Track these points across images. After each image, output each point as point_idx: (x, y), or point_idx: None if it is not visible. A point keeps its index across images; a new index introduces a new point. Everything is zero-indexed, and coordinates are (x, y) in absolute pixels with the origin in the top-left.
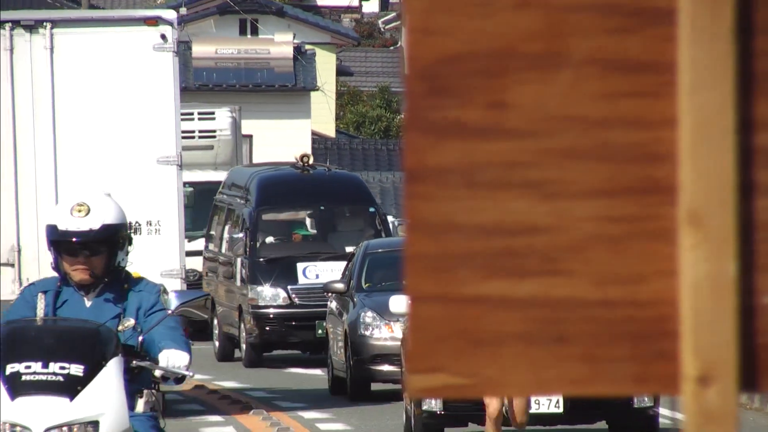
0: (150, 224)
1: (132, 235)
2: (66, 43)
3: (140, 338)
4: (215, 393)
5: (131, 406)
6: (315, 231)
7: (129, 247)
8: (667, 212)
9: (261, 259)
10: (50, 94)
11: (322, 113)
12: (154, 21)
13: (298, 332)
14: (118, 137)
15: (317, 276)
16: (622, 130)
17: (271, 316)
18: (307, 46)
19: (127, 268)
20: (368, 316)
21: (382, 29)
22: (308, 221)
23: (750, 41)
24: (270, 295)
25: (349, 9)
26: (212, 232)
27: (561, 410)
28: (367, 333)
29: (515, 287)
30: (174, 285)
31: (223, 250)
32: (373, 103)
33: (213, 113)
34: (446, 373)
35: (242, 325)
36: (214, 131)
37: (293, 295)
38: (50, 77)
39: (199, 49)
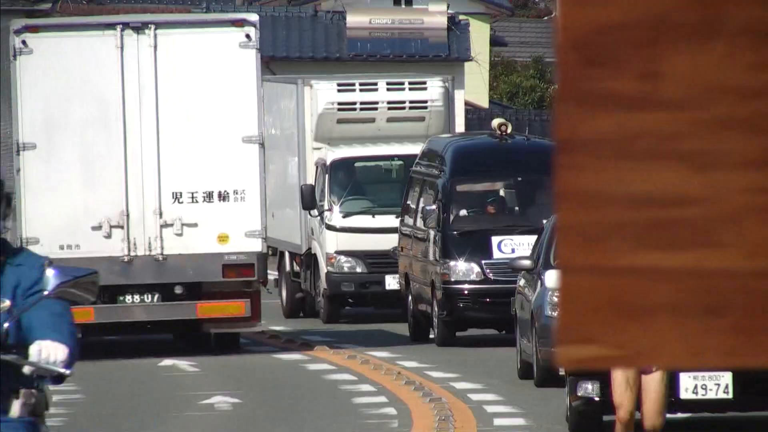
0: (236, 192)
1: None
2: (167, 42)
3: (6, 324)
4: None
5: (3, 410)
6: (512, 203)
7: (7, 212)
8: None
9: (454, 233)
10: (153, 84)
11: (476, 84)
12: (240, 23)
13: (492, 309)
14: (210, 120)
15: (513, 250)
16: None
17: (465, 292)
18: (461, 17)
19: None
20: (556, 296)
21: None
22: (504, 193)
23: None
24: (463, 270)
25: None
26: (409, 204)
27: (731, 396)
28: (555, 314)
29: (667, 258)
30: (255, 245)
31: (418, 224)
32: (526, 74)
33: (425, 83)
34: (597, 344)
35: (434, 303)
36: (426, 102)
37: (487, 271)
38: (153, 70)
39: (353, 20)
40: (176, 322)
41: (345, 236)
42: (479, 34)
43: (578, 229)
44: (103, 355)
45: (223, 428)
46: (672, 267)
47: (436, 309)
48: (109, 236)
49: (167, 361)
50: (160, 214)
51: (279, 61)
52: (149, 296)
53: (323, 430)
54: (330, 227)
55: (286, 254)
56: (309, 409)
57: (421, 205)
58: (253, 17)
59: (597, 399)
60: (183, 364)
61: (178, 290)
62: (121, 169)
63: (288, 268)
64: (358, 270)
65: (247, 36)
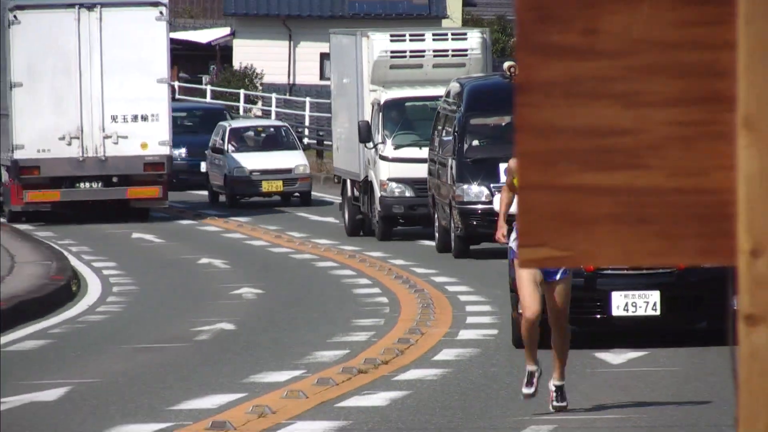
0: (153, 116)
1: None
2: (108, 16)
3: None
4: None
5: None
6: None
7: None
8: (727, 118)
9: (467, 160)
10: (99, 45)
11: None
12: (155, 4)
13: None
14: (135, 68)
15: None
16: (692, 52)
17: (477, 211)
18: None
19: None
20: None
21: None
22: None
23: None
24: (475, 192)
25: None
26: (434, 135)
27: (658, 313)
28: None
29: (605, 178)
30: (165, 150)
31: (441, 153)
32: (492, 29)
33: (465, 34)
34: (549, 247)
35: (452, 220)
36: (466, 50)
37: (495, 192)
38: (99, 34)
39: None
40: (113, 201)
41: (396, 165)
42: None
43: (533, 155)
44: (152, 253)
45: (250, 313)
46: (609, 185)
47: (452, 225)
48: (69, 144)
49: (204, 260)
50: (103, 129)
51: (293, 18)
52: (96, 183)
53: (329, 312)
54: (383, 158)
55: (348, 182)
56: (317, 297)
57: (443, 137)
58: (163, 0)
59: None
60: (217, 262)
61: (114, 180)
62: (77, 100)
63: (350, 193)
64: (407, 194)
65: (161, 12)
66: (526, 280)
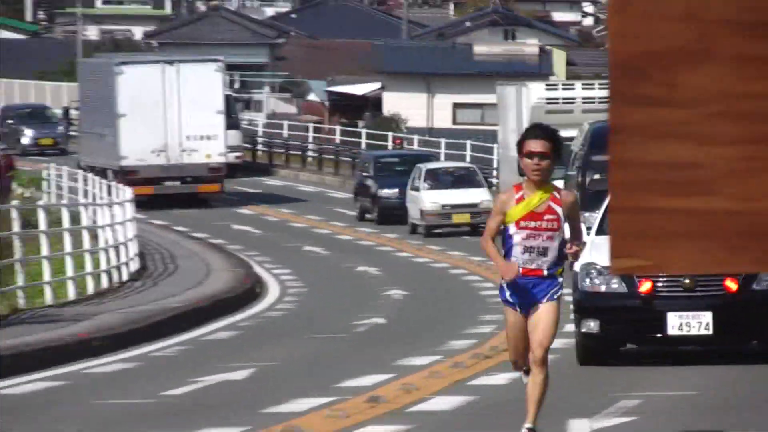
0: (211, 136)
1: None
2: (183, 69)
3: None
4: None
5: None
6: None
7: None
8: None
9: (589, 191)
10: (177, 87)
11: None
12: (215, 61)
13: None
14: (201, 103)
15: None
16: (752, 100)
17: None
18: (547, 47)
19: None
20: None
21: (595, 35)
22: None
23: None
24: (591, 221)
25: (574, 23)
26: (568, 172)
27: (711, 332)
28: None
29: (681, 202)
30: (221, 159)
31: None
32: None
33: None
34: (634, 258)
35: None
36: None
37: None
38: (177, 81)
39: (478, 49)
40: (187, 194)
41: None
42: (558, 58)
43: (623, 184)
44: (319, 262)
45: (397, 310)
46: (683, 208)
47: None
48: (158, 155)
49: (361, 268)
50: (180, 145)
51: (431, 75)
52: (176, 182)
53: (459, 306)
54: None
55: None
56: (450, 296)
57: (569, 171)
58: (221, 58)
59: (596, 333)
60: (372, 270)
61: (188, 180)
62: (163, 126)
63: None
64: None
65: (218, 66)
66: (514, 324)
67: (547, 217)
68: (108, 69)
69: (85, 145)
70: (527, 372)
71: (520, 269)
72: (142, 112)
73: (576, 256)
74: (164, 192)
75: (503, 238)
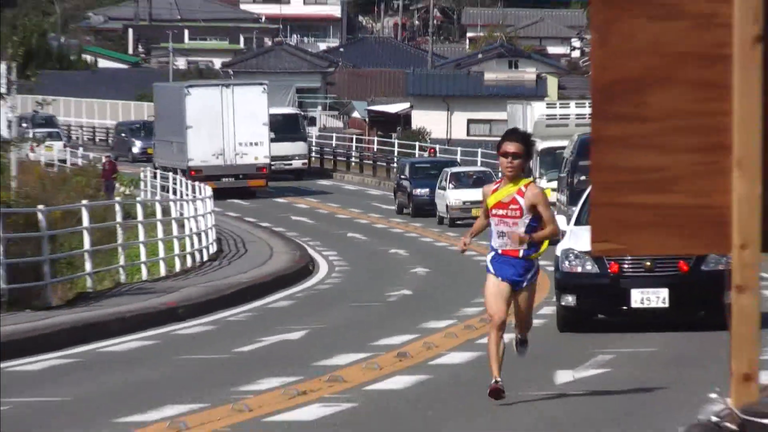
0: (258, 143)
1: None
2: (237, 91)
3: None
4: None
5: None
6: None
7: None
8: (727, 160)
9: (576, 189)
10: (232, 106)
11: None
12: (261, 84)
13: None
14: (250, 118)
15: None
16: (703, 117)
17: None
18: (543, 74)
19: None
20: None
21: (581, 65)
22: None
23: None
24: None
25: (565, 55)
26: (560, 174)
27: (667, 305)
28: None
29: (648, 199)
30: (266, 161)
31: (559, 186)
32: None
33: None
34: (610, 242)
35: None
36: None
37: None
38: (232, 101)
39: (488, 75)
40: (240, 188)
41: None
42: (551, 83)
43: (601, 184)
44: (360, 247)
45: (421, 283)
46: (649, 203)
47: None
48: (217, 158)
49: (392, 250)
50: (234, 150)
51: (450, 97)
52: (231, 179)
53: (470, 280)
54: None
55: None
56: (463, 273)
57: (561, 174)
58: (265, 82)
59: (574, 305)
60: (401, 251)
61: (240, 177)
62: (221, 135)
63: None
64: None
65: (263, 88)
66: (492, 287)
67: (511, 206)
68: (179, 91)
69: (159, 150)
70: (497, 391)
71: (500, 250)
72: (204, 124)
73: (521, 242)
74: (222, 186)
75: (490, 225)
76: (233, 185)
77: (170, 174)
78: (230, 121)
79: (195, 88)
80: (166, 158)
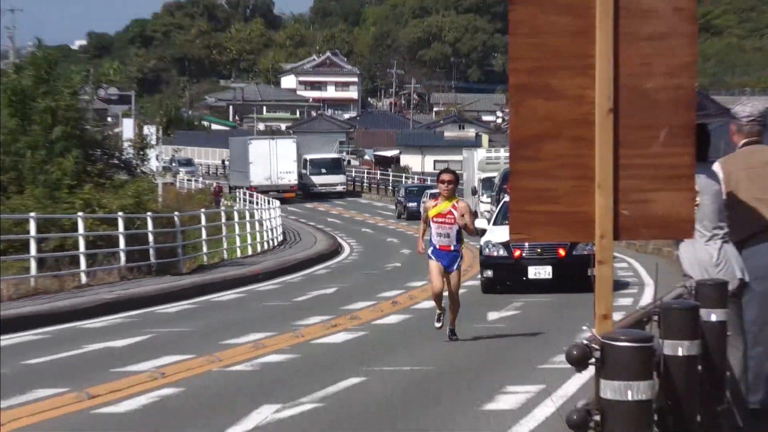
0: (289, 171)
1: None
2: (279, 141)
3: None
4: None
5: None
6: None
7: None
8: (592, 185)
9: (506, 203)
10: (276, 151)
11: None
12: (292, 134)
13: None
14: (289, 152)
15: None
16: (580, 159)
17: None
18: (479, 133)
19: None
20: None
21: (503, 127)
22: None
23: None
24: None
25: (493, 120)
26: (492, 193)
27: (551, 277)
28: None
29: (543, 208)
30: (294, 180)
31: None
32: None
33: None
34: (523, 234)
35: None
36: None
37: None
38: (276, 148)
39: (447, 134)
40: (280, 198)
41: (487, 206)
42: (485, 138)
43: (515, 199)
44: (369, 237)
45: (407, 259)
46: (544, 210)
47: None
48: (268, 180)
49: (389, 239)
50: (278, 176)
51: (425, 146)
52: (275, 192)
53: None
54: (483, 202)
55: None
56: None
57: (494, 189)
58: (295, 137)
59: (492, 277)
60: (395, 240)
61: (281, 191)
62: (269, 166)
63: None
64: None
65: (293, 139)
66: (435, 269)
67: (448, 216)
68: (245, 141)
69: (232, 176)
70: (440, 318)
71: (438, 245)
72: (259, 161)
73: (466, 227)
74: (269, 198)
75: (430, 228)
76: (276, 197)
77: (238, 189)
78: (274, 159)
79: (254, 140)
80: (236, 181)
